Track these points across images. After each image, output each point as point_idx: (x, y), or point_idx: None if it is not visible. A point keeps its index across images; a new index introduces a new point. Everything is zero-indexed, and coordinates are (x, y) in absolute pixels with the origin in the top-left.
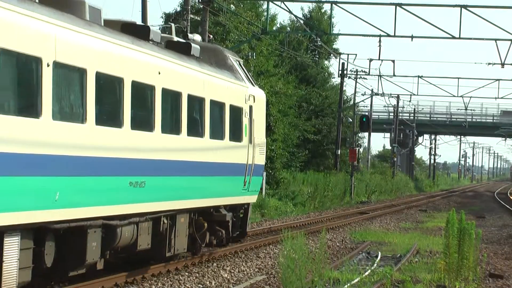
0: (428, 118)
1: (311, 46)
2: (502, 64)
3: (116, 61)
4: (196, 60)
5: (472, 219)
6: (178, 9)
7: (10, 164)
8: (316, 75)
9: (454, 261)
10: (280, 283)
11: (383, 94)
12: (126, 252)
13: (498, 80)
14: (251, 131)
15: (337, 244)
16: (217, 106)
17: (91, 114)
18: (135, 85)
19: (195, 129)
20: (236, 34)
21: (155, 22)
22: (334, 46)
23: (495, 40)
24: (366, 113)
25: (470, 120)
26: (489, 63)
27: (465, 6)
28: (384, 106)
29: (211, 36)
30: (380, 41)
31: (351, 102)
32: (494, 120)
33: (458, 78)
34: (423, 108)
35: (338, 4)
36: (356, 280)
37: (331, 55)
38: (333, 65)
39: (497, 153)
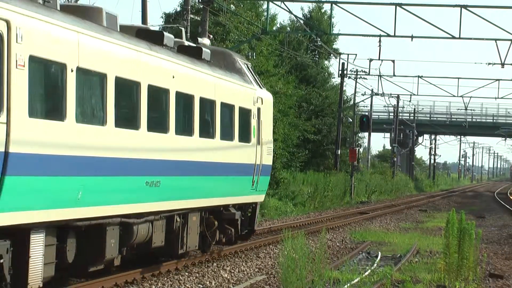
0: (428, 118)
1: (311, 46)
2: (502, 64)
3: (134, 66)
4: (207, 64)
5: (472, 219)
6: (178, 9)
7: (38, 165)
8: (316, 75)
9: (454, 261)
10: (280, 283)
11: (383, 94)
12: (142, 249)
13: (498, 80)
14: (259, 132)
15: (337, 244)
16: (227, 108)
17: (111, 116)
18: (151, 89)
19: (206, 131)
20: (236, 34)
21: (155, 22)
22: (334, 46)
23: (495, 40)
24: (366, 113)
25: (470, 120)
26: (489, 63)
27: (465, 6)
28: (384, 106)
29: (211, 36)
30: (380, 41)
31: (351, 102)
32: (494, 120)
33: (458, 78)
34: (423, 108)
35: (338, 4)
36: (356, 280)
37: (331, 55)
38: (333, 65)
39: (497, 153)
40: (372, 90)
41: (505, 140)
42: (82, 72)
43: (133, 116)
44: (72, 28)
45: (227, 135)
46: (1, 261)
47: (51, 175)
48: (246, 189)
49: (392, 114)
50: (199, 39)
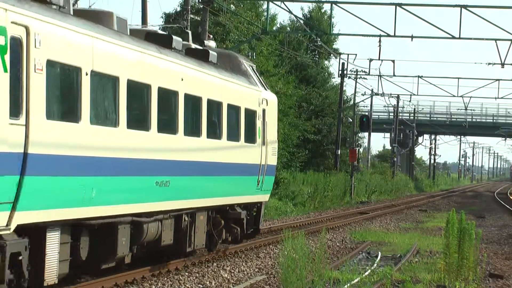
0: (428, 118)
1: (311, 46)
2: (502, 64)
3: (144, 69)
4: (214, 66)
5: (472, 219)
6: (178, 9)
7: (54, 165)
8: (316, 75)
9: (454, 261)
10: (280, 283)
11: (383, 94)
12: (151, 247)
13: (498, 80)
14: (264, 133)
15: (337, 244)
16: (233, 110)
17: (123, 118)
18: (161, 91)
19: (213, 132)
20: (236, 34)
21: (155, 22)
22: (334, 46)
23: (495, 40)
24: (366, 113)
25: (470, 120)
26: (489, 63)
27: (465, 6)
28: (384, 106)
29: (211, 36)
30: (380, 41)
31: (351, 102)
32: (494, 120)
33: (458, 78)
34: (423, 108)
35: (338, 4)
36: (356, 280)
37: (331, 55)
38: (333, 65)
39: (497, 153)
40: (372, 90)
41: (505, 140)
42: (96, 76)
43: (144, 118)
44: (87, 33)
45: (233, 136)
46: (20, 258)
47: (67, 175)
48: (251, 189)
49: (392, 114)
50: (205, 42)
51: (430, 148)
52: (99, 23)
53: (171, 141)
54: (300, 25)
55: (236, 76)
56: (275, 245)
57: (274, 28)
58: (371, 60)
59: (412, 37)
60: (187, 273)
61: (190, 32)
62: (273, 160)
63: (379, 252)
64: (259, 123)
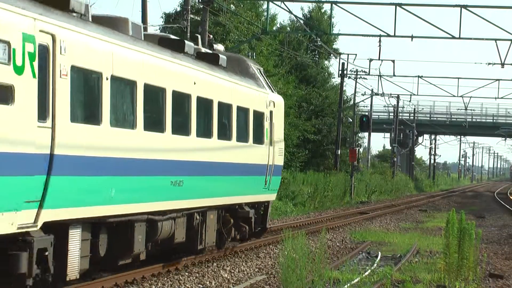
0: (428, 118)
1: (311, 46)
2: (502, 64)
3: (160, 73)
4: (224, 70)
5: (472, 219)
6: (178, 9)
7: (78, 166)
8: (316, 75)
9: (454, 261)
10: (280, 283)
11: (383, 94)
12: (165, 244)
13: (498, 80)
14: (271, 134)
15: (337, 244)
16: (242, 112)
17: (140, 120)
18: (175, 95)
19: (224, 133)
20: (236, 34)
21: (155, 22)
22: (334, 46)
23: (495, 40)
24: (366, 113)
25: (470, 120)
26: (489, 63)
27: (465, 6)
28: (384, 106)
29: (211, 36)
30: (380, 41)
31: (351, 102)
32: (494, 120)
33: (458, 78)
34: (423, 108)
35: (338, 4)
36: (356, 280)
37: (331, 55)
38: (333, 65)
39: (497, 153)
40: (372, 90)
41: (505, 140)
42: (115, 80)
43: (160, 120)
44: (107, 39)
45: (242, 137)
46: (46, 253)
47: (89, 175)
48: (259, 188)
49: (392, 114)
50: (214, 46)
51: (430, 148)
52: (115, 29)
53: (185, 142)
54: (300, 25)
55: (245, 79)
56: (275, 245)
57: (274, 28)
58: (371, 60)
59: (412, 37)
60: (187, 273)
61: (199, 36)
62: (279, 161)
63: (379, 252)
64: (266, 124)
